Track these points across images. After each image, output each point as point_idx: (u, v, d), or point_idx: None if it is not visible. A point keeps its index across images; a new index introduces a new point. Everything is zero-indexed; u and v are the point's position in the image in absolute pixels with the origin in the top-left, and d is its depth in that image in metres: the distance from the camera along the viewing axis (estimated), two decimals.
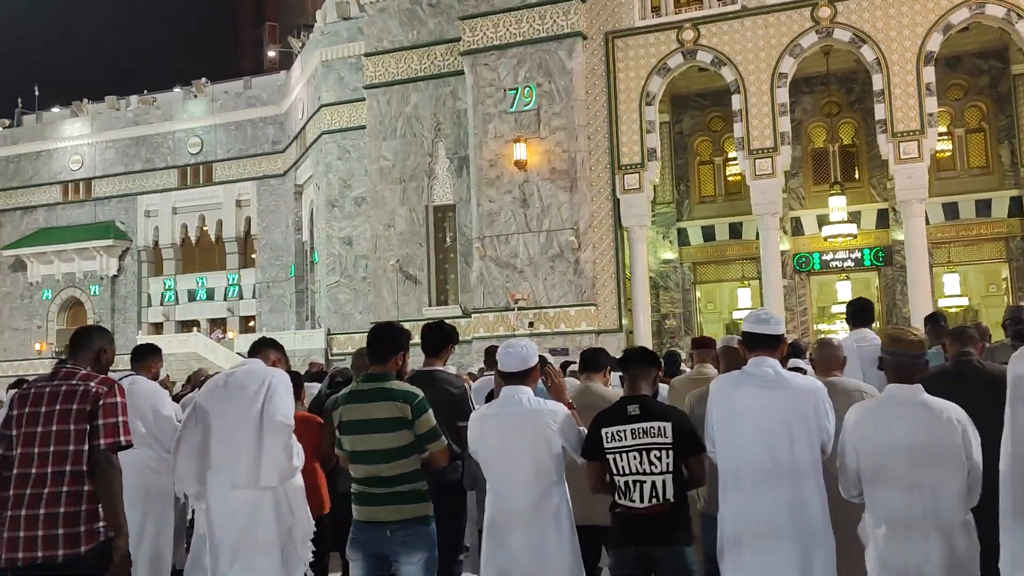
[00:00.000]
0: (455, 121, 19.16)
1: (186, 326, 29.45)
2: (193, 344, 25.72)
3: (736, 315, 19.82)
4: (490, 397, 4.42)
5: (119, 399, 3.39)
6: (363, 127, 20.81)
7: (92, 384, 3.37)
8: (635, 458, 3.36)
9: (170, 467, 4.24)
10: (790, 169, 16.89)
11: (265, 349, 4.32)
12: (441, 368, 4.51)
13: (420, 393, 3.62)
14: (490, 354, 6.12)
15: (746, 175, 16.39)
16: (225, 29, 62.83)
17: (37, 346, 30.52)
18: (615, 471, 3.41)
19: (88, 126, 31.31)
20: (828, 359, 3.91)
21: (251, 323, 28.90)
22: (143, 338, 26.03)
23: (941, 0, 15.40)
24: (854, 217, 17.84)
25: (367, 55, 20.22)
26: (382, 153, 19.80)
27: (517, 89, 17.46)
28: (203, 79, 30.57)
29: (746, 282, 19.62)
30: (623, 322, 16.91)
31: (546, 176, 17.13)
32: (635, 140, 16.90)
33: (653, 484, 3.33)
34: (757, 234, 17.25)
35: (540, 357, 3.77)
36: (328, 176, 22.61)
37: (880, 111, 15.56)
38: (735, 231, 19.45)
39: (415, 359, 4.09)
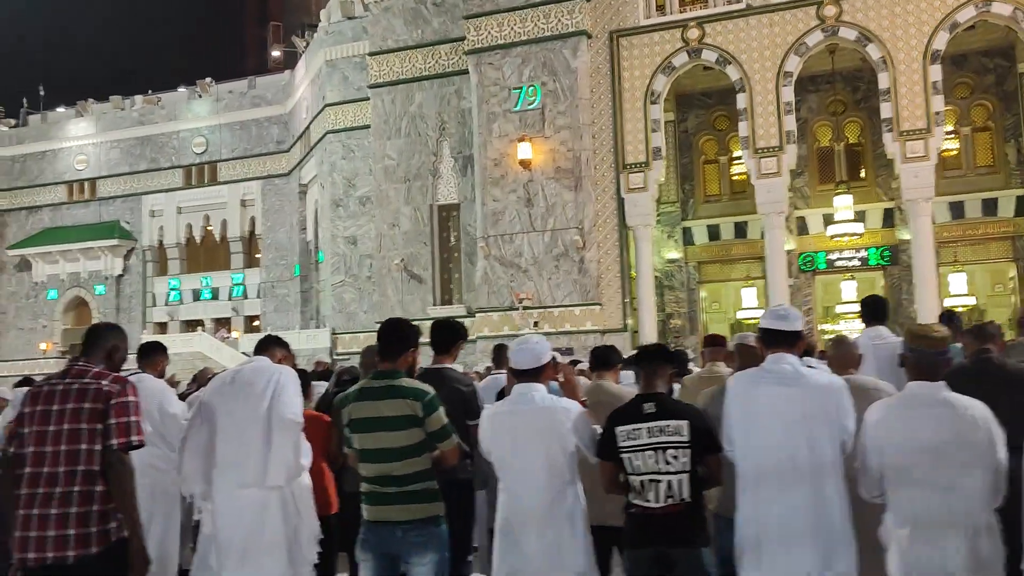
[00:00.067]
0: (459, 120, 19.14)
1: (191, 326, 29.49)
2: (198, 344, 25.74)
3: (741, 314, 19.78)
4: (501, 395, 4.38)
5: (131, 398, 3.35)
6: (367, 126, 20.81)
7: (104, 383, 3.34)
8: (651, 457, 3.30)
9: (176, 466, 4.21)
10: (795, 168, 16.83)
11: (271, 347, 4.28)
12: (450, 366, 4.46)
13: (431, 391, 3.57)
14: (498, 352, 6.09)
15: (751, 174, 16.33)
16: (229, 29, 62.89)
17: (43, 346, 30.58)
18: (630, 470, 3.35)
19: (93, 126, 31.36)
20: (844, 357, 3.85)
21: (256, 323, 28.92)
22: (148, 338, 26.06)
23: None
24: (860, 216, 17.76)
25: (371, 54, 20.21)
26: (386, 152, 19.79)
27: (522, 88, 17.42)
28: (208, 79, 30.62)
29: (751, 282, 19.56)
30: (628, 322, 16.87)
31: (551, 175, 17.10)
32: (640, 139, 16.86)
33: (669, 484, 3.27)
34: (762, 233, 17.20)
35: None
36: (332, 175, 22.61)
37: (886, 110, 15.49)
38: (740, 230, 19.39)
39: (421, 358, 4.05)
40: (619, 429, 3.38)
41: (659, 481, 3.28)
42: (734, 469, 3.37)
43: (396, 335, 3.71)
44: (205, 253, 30.50)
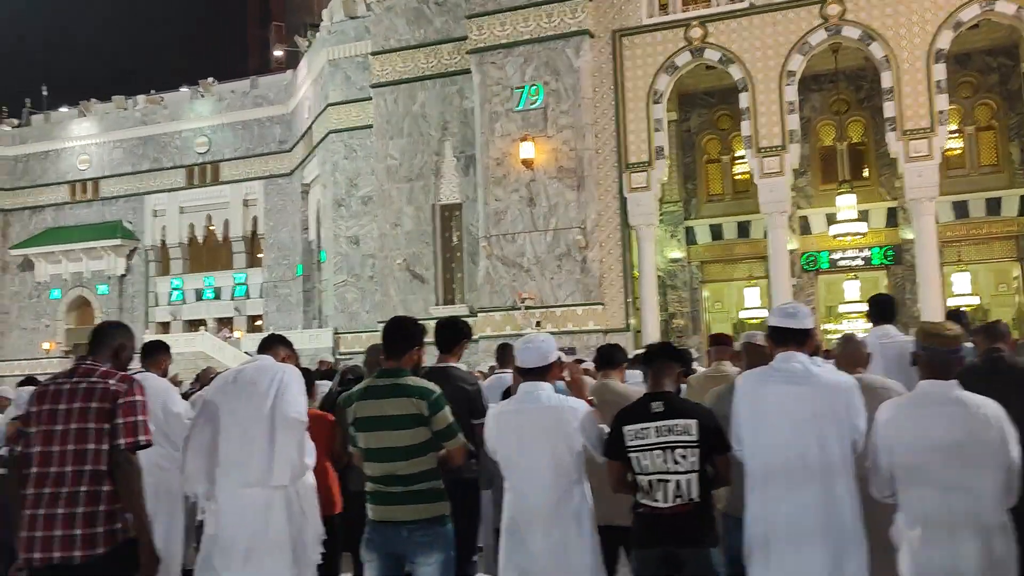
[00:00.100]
0: (462, 120, 19.13)
1: (193, 325, 29.51)
2: (200, 343, 25.75)
3: (743, 314, 19.78)
4: (506, 394, 4.35)
5: (138, 397, 3.34)
6: (370, 126, 20.80)
7: (111, 382, 3.32)
8: (659, 456, 3.27)
9: (179, 465, 4.19)
10: (798, 167, 16.79)
11: (275, 345, 4.24)
12: (455, 365, 4.44)
13: (437, 389, 3.54)
14: (502, 351, 6.07)
15: (754, 173, 16.30)
16: (232, 29, 62.94)
17: (45, 345, 30.61)
18: (638, 470, 3.32)
19: (96, 126, 31.39)
20: (852, 355, 3.81)
21: (258, 322, 28.93)
22: (150, 337, 26.09)
23: None
24: (863, 216, 17.73)
25: (374, 54, 20.20)
26: (389, 152, 19.78)
27: (524, 88, 17.40)
28: (210, 78, 30.65)
29: (754, 281, 19.55)
30: (630, 321, 16.84)
31: (553, 175, 17.07)
32: (643, 139, 16.83)
33: (677, 483, 3.24)
34: (765, 233, 17.17)
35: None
36: (335, 175, 22.60)
37: (890, 109, 15.45)
38: (743, 230, 19.37)
39: (425, 358, 4.03)
40: (627, 428, 3.35)
41: (667, 481, 3.25)
42: (742, 468, 3.34)
43: (401, 333, 3.68)
44: (207, 253, 30.52)
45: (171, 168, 29.96)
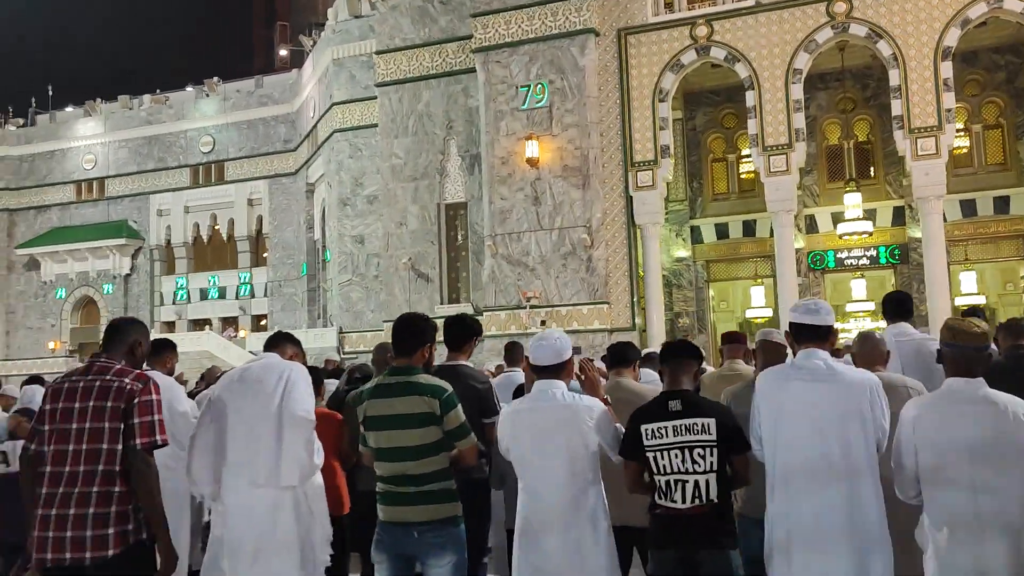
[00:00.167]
0: (467, 119, 19.09)
1: (198, 325, 29.54)
2: (205, 343, 25.77)
3: (749, 313, 19.72)
4: (518, 393, 4.30)
5: (154, 396, 3.30)
6: (375, 125, 20.78)
7: (127, 380, 3.27)
8: (677, 456, 3.20)
9: (185, 465, 4.15)
10: (804, 166, 16.73)
11: (282, 343, 4.19)
12: (465, 363, 4.38)
13: (449, 387, 3.48)
14: (511, 350, 6.03)
15: (760, 172, 16.24)
16: (236, 29, 63.01)
17: (51, 344, 30.66)
18: (655, 470, 3.25)
19: (101, 125, 31.43)
20: (871, 353, 3.73)
21: (263, 322, 28.94)
22: (156, 336, 26.11)
23: None
24: (869, 214, 17.66)
25: (378, 53, 20.18)
26: (394, 151, 19.76)
27: (529, 86, 17.36)
28: (215, 78, 30.66)
29: (760, 280, 19.49)
30: (636, 320, 16.80)
31: (558, 173, 17.03)
32: (648, 137, 16.78)
33: (696, 484, 3.17)
34: (771, 232, 17.11)
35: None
36: (340, 174, 22.59)
37: (897, 107, 15.38)
38: (749, 229, 19.31)
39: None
40: (644, 427, 3.28)
41: (685, 481, 3.19)
42: (760, 469, 3.27)
43: (411, 330, 3.62)
44: (212, 252, 30.54)
45: (176, 167, 29.98)
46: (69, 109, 34.16)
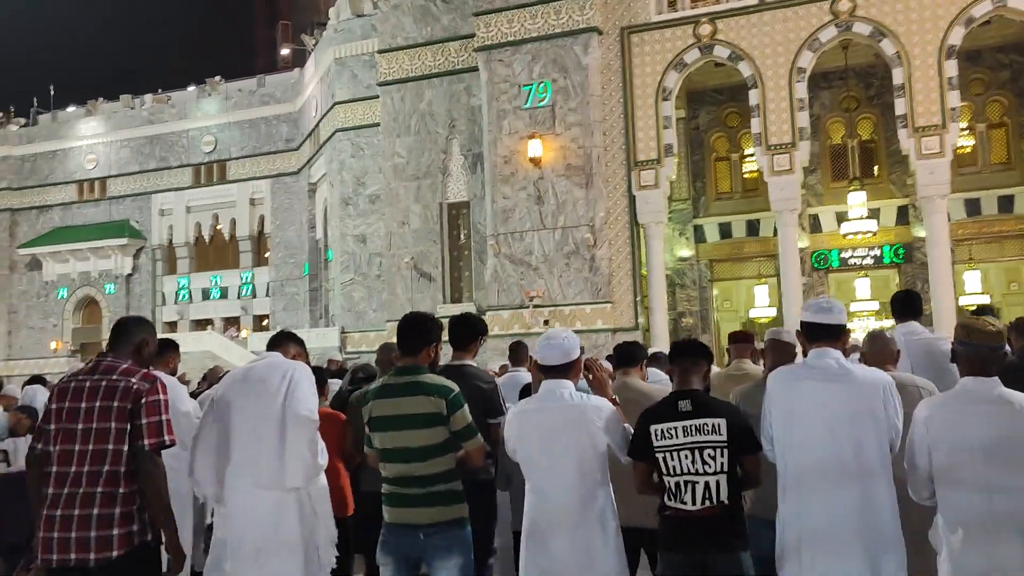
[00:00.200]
0: (469, 118, 19.05)
1: (200, 324, 29.52)
2: (207, 342, 25.74)
3: (753, 313, 19.67)
4: (524, 393, 4.25)
5: (161, 396, 3.28)
6: (377, 124, 20.75)
7: (133, 380, 3.25)
8: (687, 457, 3.15)
9: (188, 465, 4.11)
10: (808, 165, 16.67)
11: (285, 342, 4.15)
12: (470, 362, 4.34)
13: (456, 387, 3.44)
14: (516, 349, 5.98)
15: (764, 171, 16.19)
16: (238, 29, 63.04)
17: (53, 344, 30.66)
18: (665, 471, 3.21)
19: (103, 125, 31.42)
20: (881, 352, 3.68)
21: (265, 321, 28.92)
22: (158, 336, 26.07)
23: None
24: (873, 213, 17.59)
25: (381, 52, 20.14)
26: (396, 150, 19.73)
27: (532, 85, 17.32)
28: (217, 77, 30.64)
29: (763, 280, 19.44)
30: (639, 320, 16.75)
31: (561, 173, 16.99)
32: (651, 136, 16.74)
33: (706, 485, 3.13)
34: (775, 231, 17.06)
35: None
36: (342, 174, 22.56)
37: (901, 106, 15.32)
38: (752, 228, 19.25)
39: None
40: (653, 427, 3.24)
41: (695, 483, 3.14)
42: (771, 469, 3.22)
43: (416, 329, 3.58)
44: (214, 252, 30.52)
45: (178, 167, 29.96)
46: (71, 109, 34.16)
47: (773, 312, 18.94)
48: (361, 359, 17.45)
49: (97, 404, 3.19)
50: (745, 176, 19.54)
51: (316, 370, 4.29)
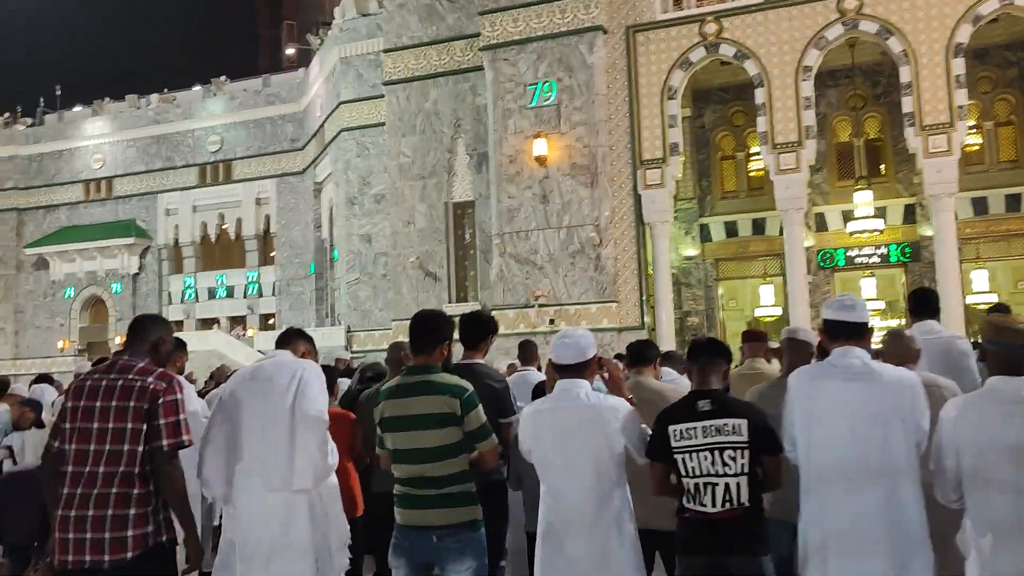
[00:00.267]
0: (475, 117, 19.03)
1: (206, 324, 29.56)
2: (214, 341, 25.77)
3: (758, 312, 19.62)
4: (537, 392, 4.22)
5: (178, 395, 3.25)
6: (382, 124, 20.74)
7: (150, 380, 3.22)
8: (706, 458, 3.09)
9: (195, 466, 4.08)
10: (814, 164, 16.60)
11: (294, 340, 4.09)
12: (481, 361, 4.29)
13: (470, 387, 3.38)
14: (525, 348, 5.95)
15: (770, 170, 16.11)
16: (244, 29, 63.12)
17: (60, 344, 30.73)
18: (684, 472, 3.15)
19: (109, 125, 31.47)
20: (901, 352, 3.60)
21: (271, 320, 28.95)
22: None
23: None
24: (880, 212, 17.54)
25: (386, 51, 20.13)
26: (401, 150, 19.71)
27: (537, 84, 17.27)
28: (222, 77, 30.67)
29: (769, 279, 19.40)
30: (645, 319, 16.71)
31: (567, 172, 16.95)
32: (657, 135, 16.68)
33: (727, 487, 3.06)
34: (781, 230, 17.01)
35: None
36: (347, 173, 22.56)
37: (908, 104, 15.24)
38: (758, 227, 19.21)
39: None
40: (672, 428, 3.18)
41: (715, 484, 3.08)
42: (791, 471, 3.16)
43: (429, 327, 3.52)
44: (220, 251, 30.55)
45: (184, 167, 30.00)
46: (77, 109, 34.22)
47: (779, 311, 18.88)
48: (367, 358, 17.45)
49: (113, 404, 3.17)
50: (751, 175, 19.49)
51: (326, 369, 4.24)
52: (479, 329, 4.35)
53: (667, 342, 15.36)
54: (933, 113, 15.02)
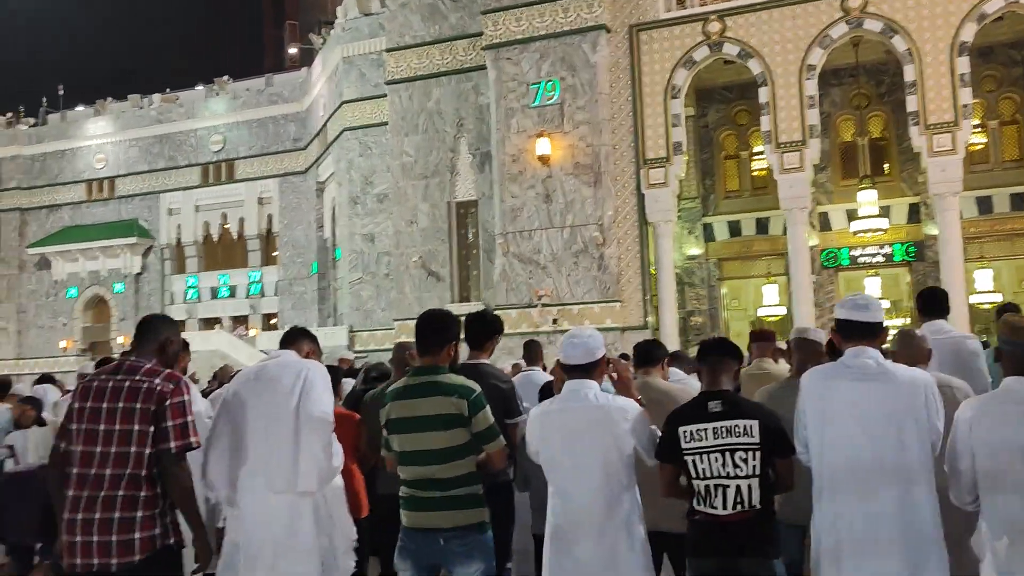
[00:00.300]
0: (477, 116, 19.00)
1: (209, 324, 29.57)
2: (216, 341, 25.78)
3: (762, 312, 19.57)
4: (544, 392, 4.18)
5: (186, 397, 3.22)
6: (385, 123, 20.71)
7: (157, 381, 3.19)
8: (717, 460, 3.05)
9: (199, 467, 4.04)
10: (818, 163, 16.57)
11: (298, 340, 4.04)
12: (487, 362, 4.26)
13: (477, 388, 3.34)
14: (528, 349, 5.92)
15: (774, 169, 16.07)
16: (246, 28, 63.14)
17: (62, 344, 30.75)
18: (694, 474, 3.11)
19: (111, 124, 31.49)
20: (912, 352, 3.55)
21: (273, 320, 28.95)
22: None
23: None
24: (884, 212, 17.49)
25: (388, 51, 20.11)
26: (404, 149, 19.68)
27: (540, 83, 17.24)
28: (225, 76, 30.67)
29: (772, 278, 19.34)
30: (648, 319, 16.67)
31: (570, 171, 16.92)
32: (660, 134, 16.64)
33: (738, 489, 3.02)
34: (784, 229, 16.96)
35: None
36: (350, 173, 22.54)
37: (912, 103, 15.19)
38: (762, 226, 19.16)
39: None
40: (682, 429, 3.14)
41: (726, 486, 3.04)
42: (803, 472, 3.13)
43: (435, 327, 3.47)
44: (222, 251, 30.56)
45: (186, 166, 30.00)
46: (80, 108, 34.24)
47: (783, 311, 18.84)
48: (370, 357, 17.42)
49: (120, 405, 3.14)
50: (754, 174, 19.45)
51: (330, 369, 4.20)
52: (485, 329, 4.32)
53: (670, 342, 15.32)
54: (937, 112, 14.97)
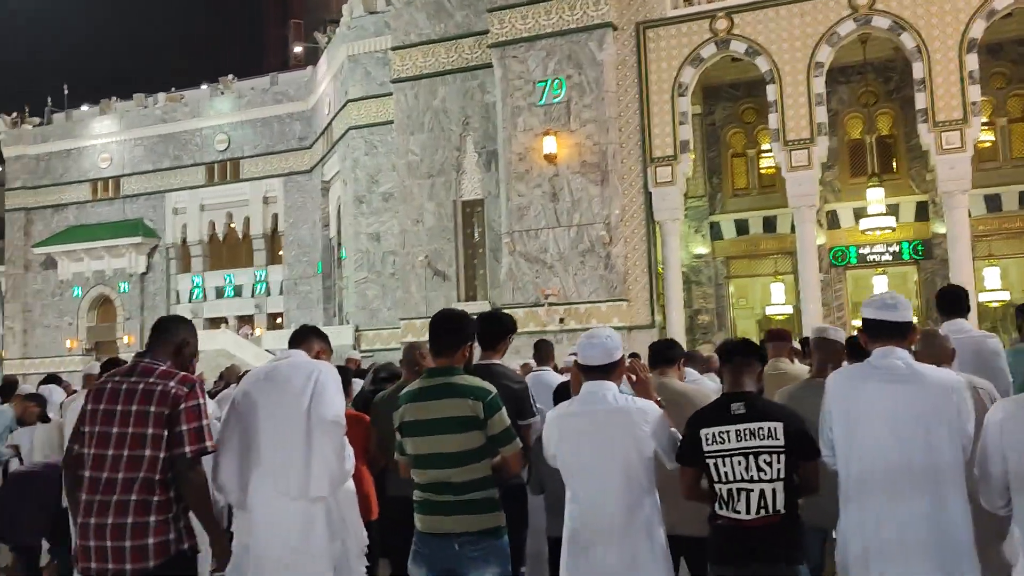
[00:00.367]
0: (483, 115, 18.94)
1: (214, 323, 29.56)
2: (222, 341, 25.75)
3: (769, 310, 19.49)
4: (558, 393, 4.10)
5: (200, 400, 3.16)
6: (390, 122, 20.66)
7: (172, 384, 3.13)
8: (740, 463, 2.98)
9: (209, 469, 3.98)
10: (826, 161, 16.47)
11: (309, 338, 3.97)
12: (499, 362, 4.19)
13: (493, 389, 3.27)
14: (539, 349, 5.86)
15: (781, 167, 15.99)
16: (250, 27, 63.18)
17: (68, 343, 30.78)
18: (716, 478, 3.04)
19: (117, 124, 31.51)
20: (936, 352, 3.47)
21: (279, 319, 28.95)
22: None
23: None
24: (892, 210, 17.40)
25: (394, 49, 20.05)
26: (409, 148, 19.63)
27: (547, 82, 17.17)
28: (230, 76, 30.66)
29: (780, 277, 19.26)
30: (656, 318, 16.61)
31: (576, 170, 16.85)
32: (667, 132, 16.57)
33: (762, 493, 2.95)
34: (792, 228, 16.88)
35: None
36: (355, 172, 22.51)
37: (921, 100, 15.10)
38: (769, 225, 19.08)
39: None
40: (704, 432, 3.07)
41: (750, 490, 2.97)
42: (828, 476, 3.05)
43: (450, 327, 3.40)
44: (228, 250, 30.56)
45: (191, 166, 30.00)
46: (85, 108, 34.26)
47: (790, 309, 18.76)
48: (376, 357, 17.38)
49: (134, 408, 3.08)
50: (762, 172, 19.36)
51: (341, 370, 4.12)
52: (498, 329, 4.25)
53: (677, 341, 15.25)
54: (946, 109, 14.88)
